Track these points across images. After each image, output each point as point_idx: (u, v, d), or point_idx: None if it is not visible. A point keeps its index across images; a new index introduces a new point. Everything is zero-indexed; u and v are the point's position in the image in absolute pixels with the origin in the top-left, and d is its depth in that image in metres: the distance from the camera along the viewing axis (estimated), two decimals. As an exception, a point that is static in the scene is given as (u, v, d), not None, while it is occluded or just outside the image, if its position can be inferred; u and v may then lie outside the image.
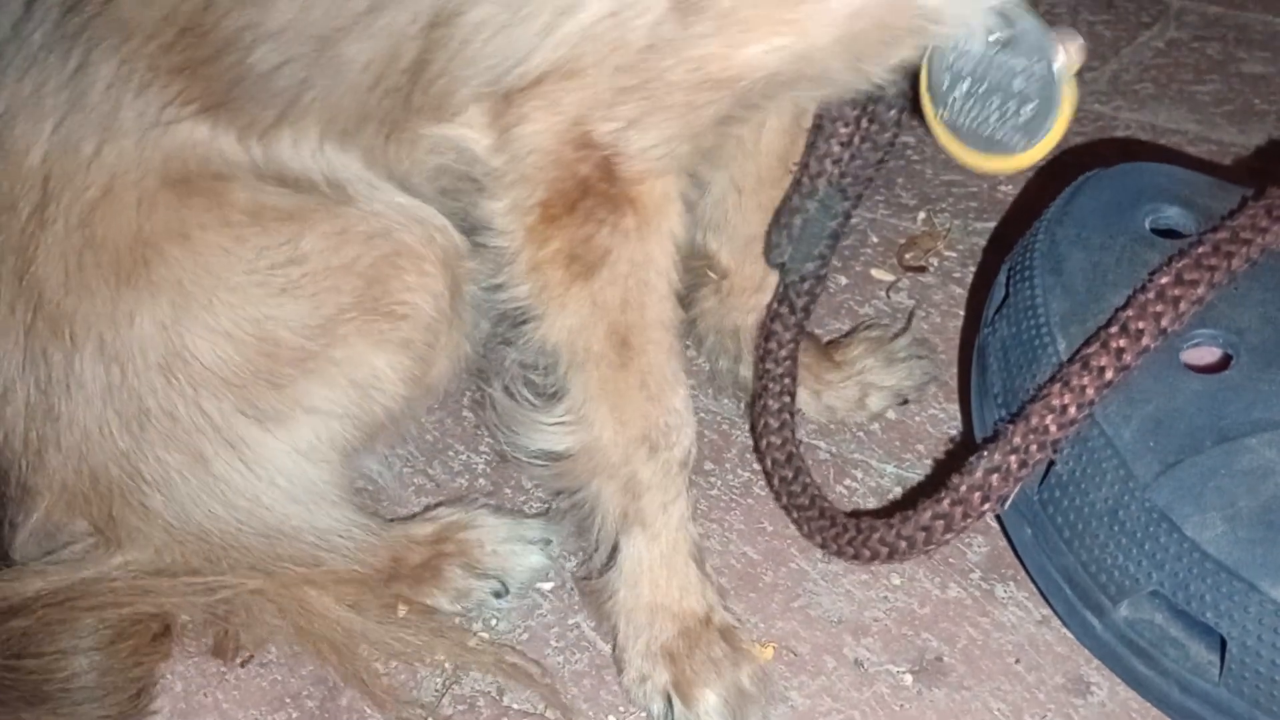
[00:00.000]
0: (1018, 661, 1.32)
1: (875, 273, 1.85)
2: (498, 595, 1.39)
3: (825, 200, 1.35)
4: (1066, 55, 1.14)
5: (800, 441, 1.55)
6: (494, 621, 1.37)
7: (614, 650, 1.32)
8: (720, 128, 1.20)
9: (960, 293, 1.81)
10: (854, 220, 1.94)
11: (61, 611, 1.26)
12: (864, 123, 1.31)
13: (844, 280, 1.83)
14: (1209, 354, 1.27)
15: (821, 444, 1.58)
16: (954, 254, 1.87)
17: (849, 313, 1.77)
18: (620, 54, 1.12)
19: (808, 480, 1.44)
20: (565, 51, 1.13)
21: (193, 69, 1.21)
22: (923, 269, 1.85)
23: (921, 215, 1.95)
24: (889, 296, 1.80)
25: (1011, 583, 1.40)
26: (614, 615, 1.32)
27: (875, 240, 1.91)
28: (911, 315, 1.75)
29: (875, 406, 1.60)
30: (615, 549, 1.31)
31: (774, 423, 1.46)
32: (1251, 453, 1.15)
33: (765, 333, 1.46)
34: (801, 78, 1.15)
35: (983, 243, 1.90)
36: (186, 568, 1.29)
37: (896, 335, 1.67)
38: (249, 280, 1.24)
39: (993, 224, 1.93)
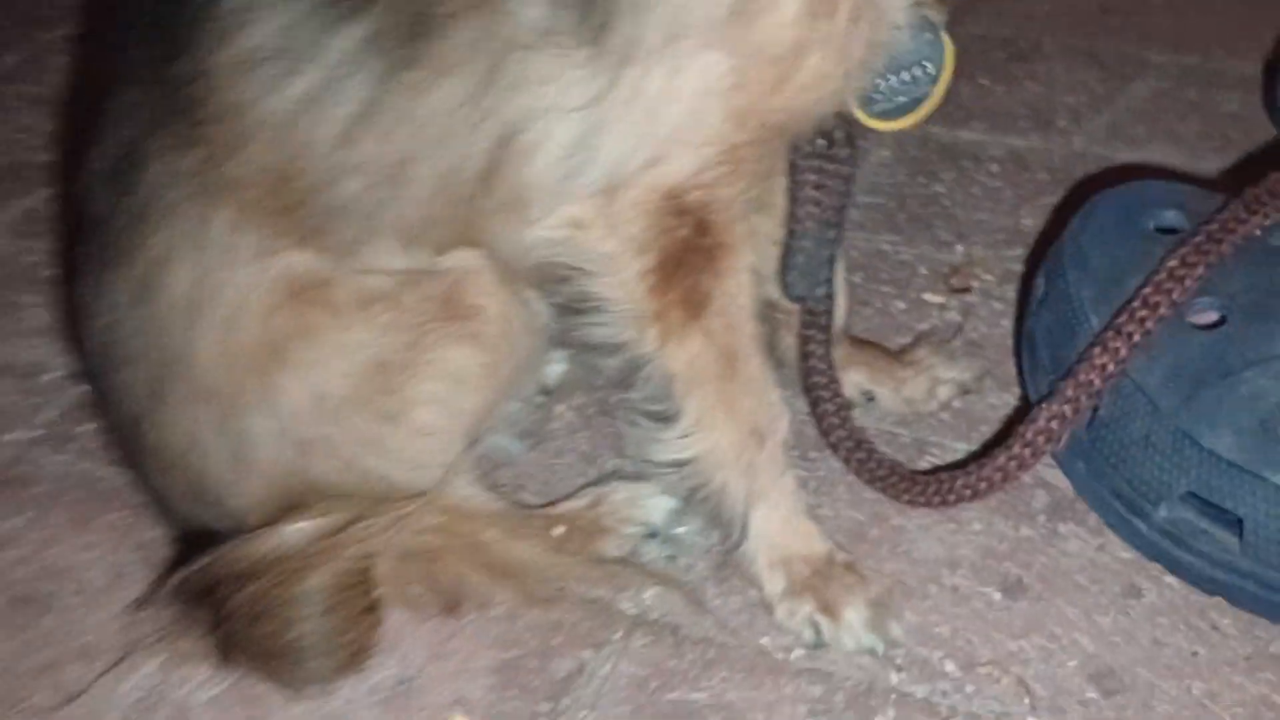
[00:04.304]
0: (1083, 577, 1.59)
1: (927, 296, 2.10)
2: (651, 536, 1.64)
3: (818, 234, 1.57)
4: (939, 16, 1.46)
5: (884, 431, 1.84)
6: (658, 581, 1.64)
7: (762, 599, 1.57)
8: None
9: (1000, 306, 2.07)
10: (904, 257, 2.21)
11: (287, 573, 1.46)
12: (827, 166, 1.53)
13: (902, 305, 2.09)
14: (1209, 315, 1.53)
15: (903, 431, 1.85)
16: (991, 276, 2.14)
17: (908, 330, 2.03)
18: (700, 132, 1.34)
19: (880, 455, 1.67)
20: (657, 147, 1.34)
21: (289, 210, 1.42)
22: (967, 290, 2.11)
23: (960, 248, 2.21)
24: (941, 314, 2.07)
25: (1071, 521, 1.66)
26: (759, 575, 1.55)
27: (924, 271, 2.18)
28: (961, 326, 2.03)
29: (944, 396, 1.85)
30: (746, 524, 1.54)
31: (835, 421, 1.70)
32: (1248, 382, 1.43)
33: (803, 354, 1.69)
34: (844, 87, 1.37)
35: (1014, 266, 2.17)
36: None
37: (951, 339, 1.97)
38: (361, 335, 1.47)
39: (1019, 250, 2.21)
